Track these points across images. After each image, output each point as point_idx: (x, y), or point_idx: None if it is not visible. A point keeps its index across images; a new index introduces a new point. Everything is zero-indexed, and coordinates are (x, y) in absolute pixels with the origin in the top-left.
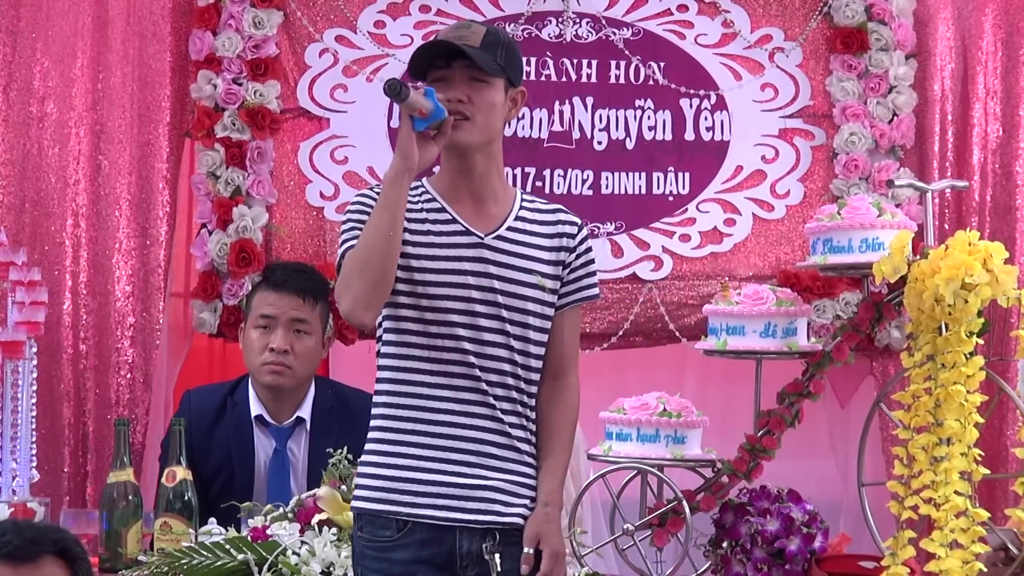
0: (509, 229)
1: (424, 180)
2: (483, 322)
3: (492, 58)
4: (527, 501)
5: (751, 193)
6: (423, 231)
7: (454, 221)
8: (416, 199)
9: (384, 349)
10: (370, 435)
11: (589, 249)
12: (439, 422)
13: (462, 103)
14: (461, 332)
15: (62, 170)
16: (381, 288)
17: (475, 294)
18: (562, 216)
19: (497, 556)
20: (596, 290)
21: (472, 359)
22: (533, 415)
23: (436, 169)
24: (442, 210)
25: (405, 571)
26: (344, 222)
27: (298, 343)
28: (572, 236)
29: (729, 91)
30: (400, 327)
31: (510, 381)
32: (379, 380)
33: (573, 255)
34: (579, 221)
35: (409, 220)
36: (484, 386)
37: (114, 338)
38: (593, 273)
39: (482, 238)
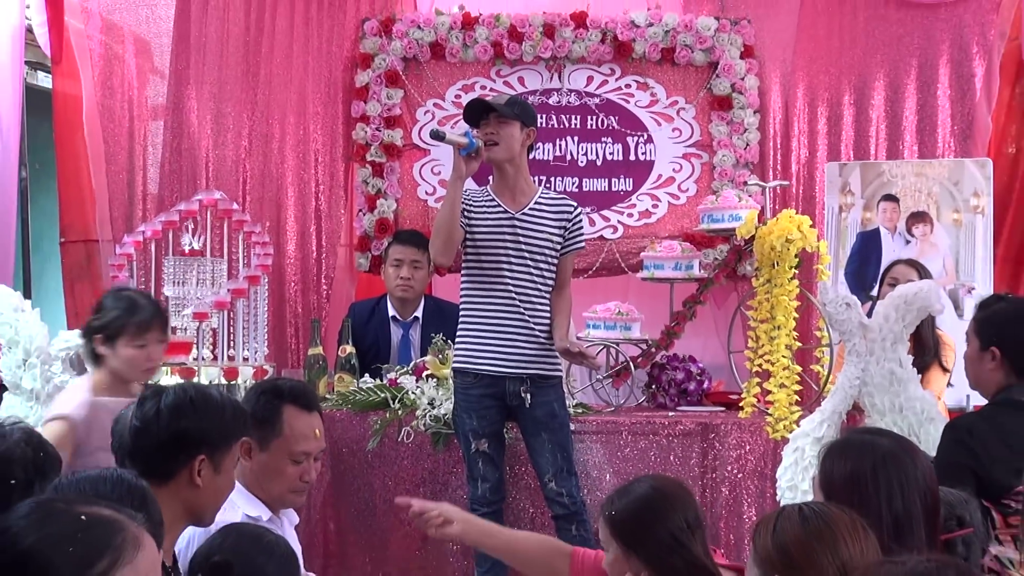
0: (531, 208)
1: (488, 186)
2: (515, 260)
3: (511, 109)
4: (544, 357)
5: (667, 190)
6: (481, 212)
7: (498, 205)
8: (480, 197)
9: (462, 279)
10: (459, 326)
11: (580, 220)
12: (489, 318)
13: (493, 134)
14: (503, 267)
15: (281, 180)
16: (448, 244)
17: (510, 246)
18: (565, 202)
19: (529, 394)
20: (583, 244)
21: (508, 282)
22: (548, 311)
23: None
24: (492, 199)
25: (479, 401)
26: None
27: (416, 274)
28: (569, 214)
29: (654, 132)
30: (468, 266)
31: (531, 291)
32: (460, 297)
33: (571, 223)
34: (575, 204)
35: (474, 208)
36: (515, 295)
37: (311, 273)
38: (582, 234)
39: (514, 213)
